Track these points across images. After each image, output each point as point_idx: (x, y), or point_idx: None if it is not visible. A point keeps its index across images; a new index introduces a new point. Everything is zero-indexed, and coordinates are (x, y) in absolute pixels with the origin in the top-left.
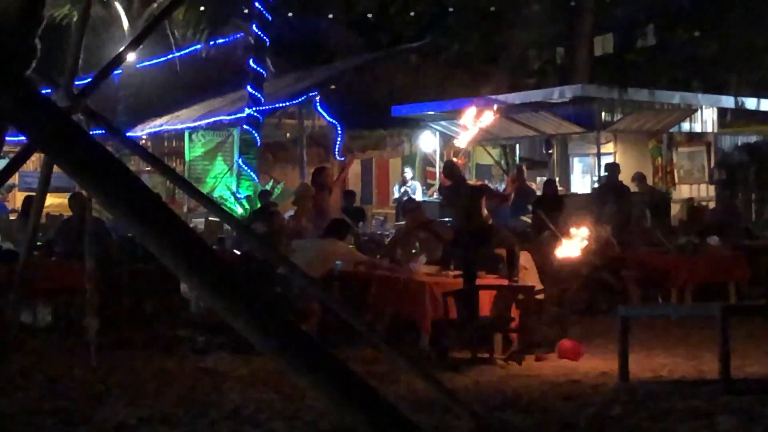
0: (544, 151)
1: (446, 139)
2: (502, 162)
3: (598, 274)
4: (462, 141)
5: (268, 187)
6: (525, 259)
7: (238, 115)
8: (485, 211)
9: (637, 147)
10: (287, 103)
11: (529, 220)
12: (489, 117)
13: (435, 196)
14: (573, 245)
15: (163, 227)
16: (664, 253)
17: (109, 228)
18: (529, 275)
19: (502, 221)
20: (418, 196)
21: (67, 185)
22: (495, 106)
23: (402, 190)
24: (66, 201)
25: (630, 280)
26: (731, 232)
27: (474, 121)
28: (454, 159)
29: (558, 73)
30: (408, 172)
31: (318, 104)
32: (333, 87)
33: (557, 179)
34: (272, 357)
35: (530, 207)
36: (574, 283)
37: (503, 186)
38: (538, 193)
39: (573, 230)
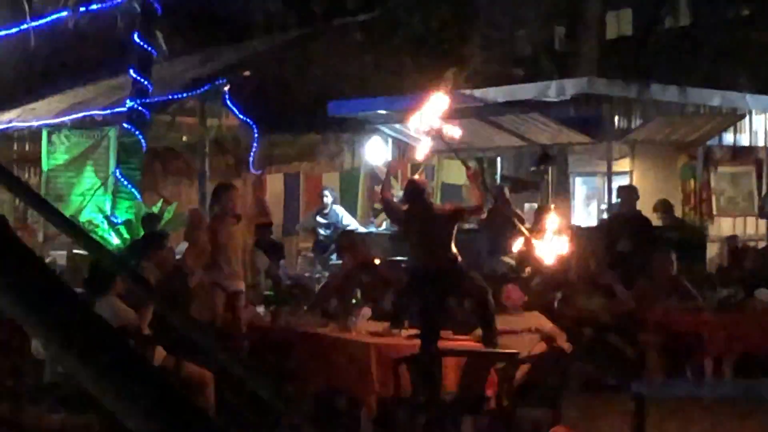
0: (534, 168)
1: (402, 149)
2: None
3: (606, 336)
4: (421, 152)
5: (155, 210)
6: (517, 295)
7: (117, 110)
8: (454, 249)
9: (662, 165)
10: (184, 95)
11: (512, 261)
12: (455, 121)
13: (384, 225)
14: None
15: (9, 263)
16: (695, 310)
17: None
18: (534, 318)
19: (474, 260)
20: (349, 225)
21: None
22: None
23: (318, 218)
24: None
25: (649, 346)
26: None
27: (435, 125)
28: (416, 177)
29: (556, 62)
30: (328, 195)
31: (227, 97)
32: (247, 74)
33: (552, 206)
34: None
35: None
36: (573, 347)
37: None
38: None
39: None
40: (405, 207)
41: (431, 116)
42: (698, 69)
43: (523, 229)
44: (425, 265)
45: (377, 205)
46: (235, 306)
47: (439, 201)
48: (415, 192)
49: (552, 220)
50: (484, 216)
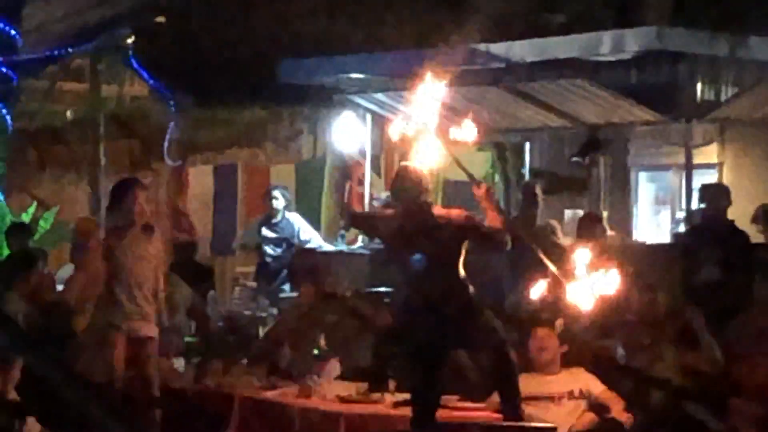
0: (577, 158)
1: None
2: (497, 176)
3: (684, 404)
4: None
5: (26, 218)
6: (553, 345)
7: None
8: (463, 273)
9: (767, 153)
10: (69, 50)
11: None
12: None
13: (360, 241)
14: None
15: None
16: None
17: None
18: (577, 377)
19: (490, 292)
20: (310, 241)
21: None
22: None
23: (265, 231)
24: None
25: (744, 418)
26: None
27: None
28: (409, 164)
29: (611, 5)
30: (279, 197)
31: (132, 54)
32: (161, 19)
33: (605, 214)
34: None
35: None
36: (635, 420)
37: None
38: (566, 239)
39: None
40: (392, 211)
41: (427, 111)
42: None
43: (549, 263)
44: (422, 298)
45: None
46: (143, 358)
47: (441, 202)
48: (408, 187)
49: (602, 233)
50: (507, 247)
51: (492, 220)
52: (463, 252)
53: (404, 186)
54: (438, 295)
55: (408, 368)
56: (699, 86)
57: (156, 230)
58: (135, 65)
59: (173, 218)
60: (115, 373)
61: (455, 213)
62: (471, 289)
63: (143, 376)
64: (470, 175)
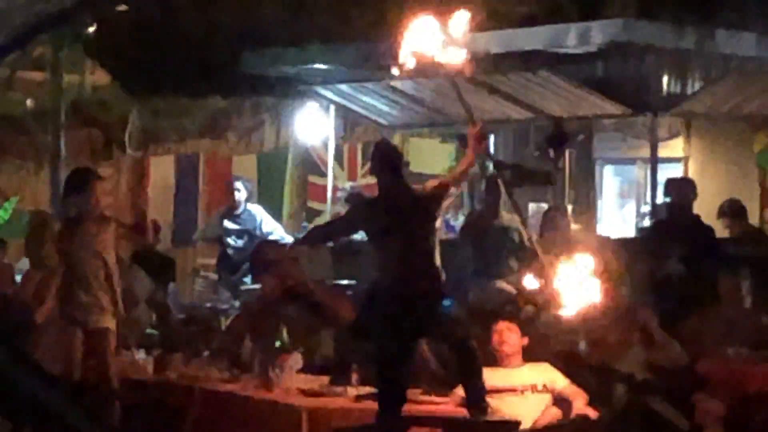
0: (539, 152)
1: (352, 121)
2: None
3: (646, 399)
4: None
5: None
6: (515, 338)
7: None
8: (438, 260)
9: (732, 148)
10: (28, 39)
11: (510, 289)
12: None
13: None
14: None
15: None
16: None
17: None
18: (541, 371)
19: (454, 284)
20: (272, 233)
21: None
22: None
23: (226, 223)
24: None
25: (708, 416)
26: None
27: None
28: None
29: None
30: (241, 188)
31: (92, 43)
32: (123, 8)
33: (570, 207)
34: None
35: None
36: (598, 414)
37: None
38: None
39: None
40: (368, 197)
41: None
42: None
43: (533, 241)
44: (399, 282)
45: (314, 205)
46: (100, 350)
47: None
48: (389, 162)
49: (567, 227)
50: (458, 188)
51: (469, 156)
52: (437, 232)
53: (384, 158)
54: (413, 283)
55: (375, 360)
56: (665, 79)
57: (112, 221)
58: (95, 54)
59: (133, 216)
60: (74, 365)
61: (429, 186)
62: (443, 278)
63: (101, 368)
64: (469, 112)
